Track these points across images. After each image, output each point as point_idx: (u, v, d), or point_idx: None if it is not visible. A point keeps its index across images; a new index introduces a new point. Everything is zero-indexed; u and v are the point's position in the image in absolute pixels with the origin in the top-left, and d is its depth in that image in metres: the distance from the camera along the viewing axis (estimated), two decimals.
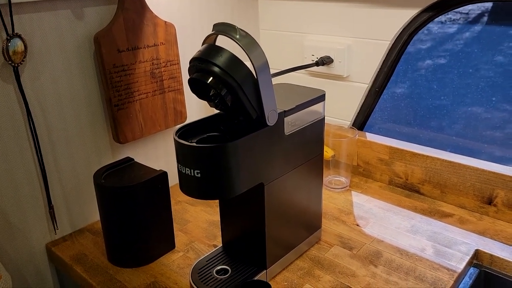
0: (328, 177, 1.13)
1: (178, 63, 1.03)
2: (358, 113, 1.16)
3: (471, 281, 0.83)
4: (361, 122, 1.18)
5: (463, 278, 0.83)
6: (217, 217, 1.01)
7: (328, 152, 1.09)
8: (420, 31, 1.04)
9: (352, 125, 1.18)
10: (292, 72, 1.11)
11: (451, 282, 0.79)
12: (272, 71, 0.97)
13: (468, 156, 1.00)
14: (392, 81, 1.11)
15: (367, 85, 1.11)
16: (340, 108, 1.18)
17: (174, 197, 1.09)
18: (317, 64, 1.12)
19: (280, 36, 1.26)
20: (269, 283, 0.73)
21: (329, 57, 1.12)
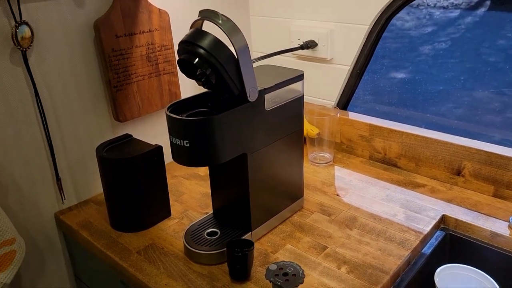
0: (313, 153, 1.21)
1: (172, 48, 1.12)
2: (342, 93, 1.24)
3: (436, 242, 0.92)
4: (344, 102, 1.26)
5: (430, 240, 0.92)
6: (210, 189, 1.10)
7: (313, 130, 1.18)
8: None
9: (336, 105, 1.26)
10: (280, 56, 1.19)
11: (417, 242, 0.88)
12: (261, 55, 1.06)
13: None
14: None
15: (349, 67, 1.19)
16: (324, 89, 1.26)
17: (170, 172, 1.18)
18: (302, 47, 1.20)
19: (269, 22, 1.33)
20: (252, 241, 0.82)
21: (313, 41, 1.20)
